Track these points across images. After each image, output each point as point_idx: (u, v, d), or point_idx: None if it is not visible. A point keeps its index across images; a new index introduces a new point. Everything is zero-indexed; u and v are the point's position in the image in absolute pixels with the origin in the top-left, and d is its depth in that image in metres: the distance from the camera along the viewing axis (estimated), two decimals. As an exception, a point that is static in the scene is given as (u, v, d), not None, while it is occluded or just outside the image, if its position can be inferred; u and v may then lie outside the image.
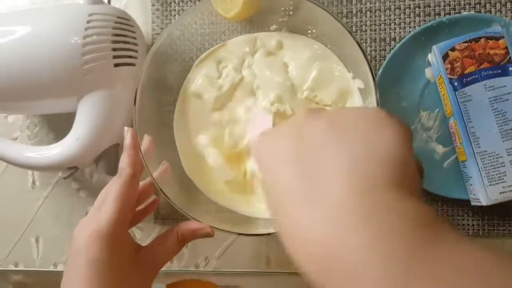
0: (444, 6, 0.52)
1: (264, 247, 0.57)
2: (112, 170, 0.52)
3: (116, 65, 0.50)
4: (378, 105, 0.42)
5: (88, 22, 0.49)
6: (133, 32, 0.52)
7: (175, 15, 0.58)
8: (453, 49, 0.46)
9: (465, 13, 0.51)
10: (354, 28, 0.54)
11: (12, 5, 0.64)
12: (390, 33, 0.53)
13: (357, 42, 0.44)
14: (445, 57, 0.46)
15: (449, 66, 0.46)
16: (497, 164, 0.44)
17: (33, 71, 0.48)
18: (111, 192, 0.42)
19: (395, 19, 0.53)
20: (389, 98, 0.50)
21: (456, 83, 0.45)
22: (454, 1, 0.51)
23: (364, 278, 0.21)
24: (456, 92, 0.45)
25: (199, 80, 0.53)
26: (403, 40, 0.50)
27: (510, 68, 0.44)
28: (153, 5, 0.59)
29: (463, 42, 0.46)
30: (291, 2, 0.50)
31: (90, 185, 0.62)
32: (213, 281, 0.60)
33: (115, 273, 0.39)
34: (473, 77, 0.45)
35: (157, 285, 0.45)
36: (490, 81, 0.45)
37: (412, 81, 0.51)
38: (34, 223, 0.64)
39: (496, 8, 0.51)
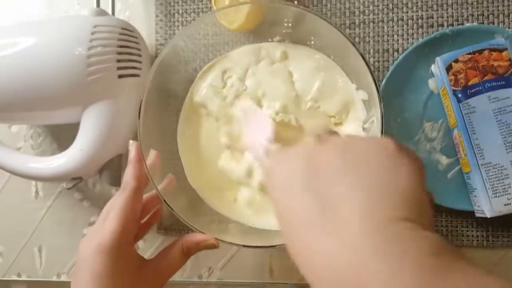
0: (447, 17, 0.52)
1: (267, 258, 0.57)
2: (116, 181, 0.53)
3: (120, 76, 0.50)
4: (382, 116, 0.42)
5: (93, 33, 0.49)
6: (137, 43, 0.53)
7: (178, 26, 0.58)
8: (456, 61, 0.46)
9: (468, 24, 0.51)
10: (357, 39, 0.54)
11: (17, 17, 0.64)
12: (393, 44, 0.53)
13: (361, 54, 0.44)
14: (448, 68, 0.46)
15: (453, 77, 0.46)
16: (501, 176, 0.44)
17: (38, 82, 0.49)
18: (115, 206, 0.42)
19: (398, 30, 0.53)
20: (392, 109, 0.50)
21: (460, 95, 0.46)
22: (457, 12, 0.52)
23: None
24: (460, 104, 0.45)
25: (204, 90, 0.53)
26: (407, 51, 0.50)
27: (514, 80, 0.45)
28: (156, 16, 0.59)
29: (467, 54, 0.46)
30: (294, 14, 0.50)
31: (93, 195, 0.62)
32: (216, 291, 0.59)
33: (118, 287, 0.39)
34: (477, 88, 0.45)
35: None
36: (494, 92, 0.45)
37: (416, 92, 0.51)
38: (37, 233, 0.64)
39: (499, 19, 0.51)
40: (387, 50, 0.53)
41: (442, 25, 0.52)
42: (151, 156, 0.47)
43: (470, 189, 0.47)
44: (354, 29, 0.54)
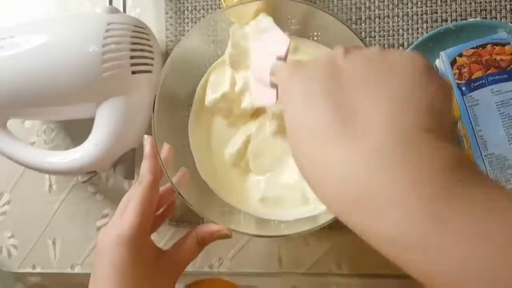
0: (451, 12, 0.53)
1: (276, 248, 0.58)
2: (129, 174, 0.54)
3: (134, 72, 0.51)
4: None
5: (107, 31, 0.50)
6: (149, 40, 0.54)
7: (188, 23, 0.60)
8: (460, 55, 0.47)
9: (471, 19, 0.52)
10: (363, 34, 0.55)
11: (31, 15, 0.66)
12: (398, 39, 0.54)
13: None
14: (453, 62, 0.48)
15: (457, 71, 0.47)
16: (504, 166, 0.45)
17: (54, 79, 0.50)
18: (132, 199, 0.44)
19: (403, 25, 0.54)
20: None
21: (463, 88, 0.47)
22: (461, 8, 0.53)
23: (398, 211, 0.21)
24: (464, 97, 0.47)
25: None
26: (412, 46, 0.52)
27: (516, 73, 0.46)
28: (166, 13, 0.60)
29: (470, 48, 0.47)
30: (302, 10, 0.51)
31: (106, 188, 0.63)
32: (227, 281, 0.61)
33: (139, 277, 0.41)
34: (480, 82, 0.47)
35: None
36: (497, 86, 0.46)
37: (421, 85, 0.52)
38: (51, 226, 0.65)
39: (501, 14, 0.52)
40: (392, 45, 0.55)
41: (446, 20, 0.53)
42: (165, 150, 0.48)
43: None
44: (360, 24, 0.55)
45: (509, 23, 0.51)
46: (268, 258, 0.59)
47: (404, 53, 0.28)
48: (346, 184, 0.23)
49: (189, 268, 0.60)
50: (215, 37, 0.55)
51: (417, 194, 0.21)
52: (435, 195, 0.21)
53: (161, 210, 0.52)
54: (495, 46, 0.47)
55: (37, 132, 0.65)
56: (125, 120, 0.52)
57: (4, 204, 0.67)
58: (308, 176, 0.26)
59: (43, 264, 0.66)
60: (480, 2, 0.52)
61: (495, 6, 0.52)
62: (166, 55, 0.60)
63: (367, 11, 0.55)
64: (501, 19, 0.52)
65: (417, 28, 0.54)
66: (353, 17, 0.56)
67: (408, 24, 0.54)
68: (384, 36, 0.55)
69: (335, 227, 0.44)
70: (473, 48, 0.47)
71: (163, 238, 0.61)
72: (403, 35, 0.54)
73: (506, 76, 0.46)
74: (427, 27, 0.54)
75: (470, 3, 0.53)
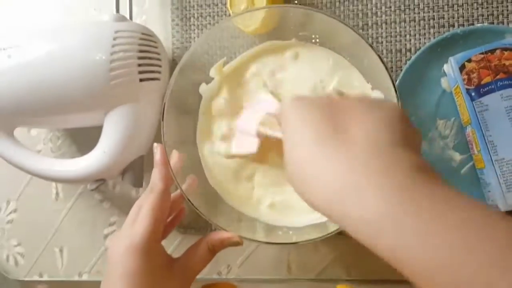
0: (458, 17, 0.53)
1: (285, 255, 0.58)
2: (138, 182, 0.54)
3: (141, 80, 0.51)
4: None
5: (114, 39, 0.50)
6: (156, 47, 0.54)
7: (194, 30, 0.60)
8: (469, 60, 0.48)
9: (479, 24, 0.52)
10: (370, 40, 0.55)
11: (37, 23, 0.66)
12: (405, 44, 0.55)
13: (379, 56, 0.45)
14: (462, 68, 0.48)
15: (466, 77, 0.47)
16: (515, 171, 0.45)
17: (62, 87, 0.50)
18: (144, 206, 0.44)
19: (410, 30, 0.54)
20: (406, 108, 0.52)
21: (473, 93, 0.47)
22: (467, 13, 0.53)
23: (369, 200, 0.26)
24: (473, 102, 0.47)
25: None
26: (419, 51, 0.52)
27: (526, 79, 0.46)
28: (172, 20, 0.60)
29: (479, 54, 0.47)
30: (309, 17, 0.51)
31: (113, 196, 0.63)
32: (236, 288, 0.61)
33: (151, 285, 0.41)
34: (490, 87, 0.47)
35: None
36: (506, 91, 0.46)
37: (429, 91, 0.52)
38: (58, 234, 0.65)
39: (508, 19, 0.52)
40: (400, 50, 0.55)
41: (453, 25, 0.53)
42: (174, 157, 0.48)
43: (484, 185, 0.49)
44: (367, 30, 0.55)
45: (516, 28, 0.51)
46: (277, 265, 0.58)
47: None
48: (331, 181, 0.28)
49: (198, 275, 0.60)
50: (222, 43, 0.55)
51: (383, 189, 0.26)
52: (398, 189, 0.26)
53: (170, 217, 0.52)
54: (504, 52, 0.47)
55: (43, 140, 0.65)
56: (133, 127, 0.52)
57: (10, 212, 0.66)
58: (299, 178, 0.31)
59: (50, 272, 0.66)
60: (487, 7, 0.53)
61: (502, 11, 0.52)
62: (172, 62, 0.60)
63: (374, 17, 0.55)
64: (508, 24, 0.52)
65: (424, 34, 0.54)
66: (360, 23, 0.56)
67: (415, 30, 0.54)
68: (391, 41, 0.55)
69: (344, 233, 0.44)
70: (482, 53, 0.47)
71: (171, 244, 0.60)
72: (410, 40, 0.54)
73: (515, 81, 0.46)
74: (434, 32, 0.54)
75: (477, 8, 0.53)
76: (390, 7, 0.55)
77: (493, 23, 0.52)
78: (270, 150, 0.52)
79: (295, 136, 0.32)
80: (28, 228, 0.66)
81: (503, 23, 0.52)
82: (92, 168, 0.51)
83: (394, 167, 0.27)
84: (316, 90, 0.52)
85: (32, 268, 0.66)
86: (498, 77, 0.47)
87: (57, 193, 0.65)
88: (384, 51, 0.55)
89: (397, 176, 0.27)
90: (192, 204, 0.47)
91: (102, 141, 0.52)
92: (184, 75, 0.52)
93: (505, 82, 0.46)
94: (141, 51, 0.52)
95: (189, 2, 0.60)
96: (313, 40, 0.53)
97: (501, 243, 0.22)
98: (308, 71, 0.53)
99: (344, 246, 0.56)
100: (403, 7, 0.54)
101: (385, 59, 0.55)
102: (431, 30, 0.54)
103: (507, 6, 0.52)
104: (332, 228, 0.46)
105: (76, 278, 0.65)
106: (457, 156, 0.51)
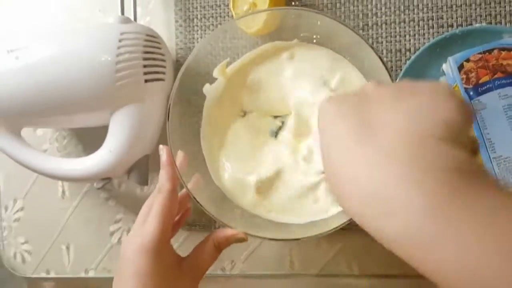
0: (457, 18, 0.54)
1: (287, 250, 0.60)
2: (143, 180, 0.55)
3: (147, 80, 0.53)
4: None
5: (120, 41, 0.51)
6: (160, 48, 0.55)
7: (197, 31, 0.61)
8: (468, 60, 0.49)
9: (477, 25, 0.53)
10: (370, 40, 0.56)
11: (43, 25, 0.67)
12: (405, 44, 0.56)
13: (379, 56, 0.46)
14: (460, 67, 0.49)
15: (464, 76, 0.48)
16: (512, 168, 0.47)
17: (69, 89, 0.51)
18: (153, 207, 0.45)
19: (409, 31, 0.55)
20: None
21: (471, 92, 0.48)
22: (466, 13, 0.54)
23: (403, 211, 0.23)
24: (472, 101, 0.48)
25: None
26: (419, 51, 0.53)
27: (523, 78, 0.47)
28: (176, 21, 0.61)
29: (477, 53, 0.48)
30: (310, 18, 0.52)
31: (119, 194, 0.64)
32: (239, 283, 0.62)
33: (162, 284, 0.42)
34: (488, 86, 0.48)
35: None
36: (503, 90, 0.47)
37: (428, 90, 0.53)
38: (64, 232, 0.66)
39: (506, 19, 0.53)
40: (400, 50, 0.56)
41: (452, 26, 0.54)
42: (179, 157, 0.49)
43: (482, 181, 0.50)
44: (368, 30, 0.56)
45: (514, 28, 0.52)
46: (280, 260, 0.60)
47: (430, 82, 0.30)
48: (359, 182, 0.26)
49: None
50: (225, 44, 0.56)
51: (420, 194, 0.23)
52: (439, 195, 0.22)
53: (177, 216, 0.53)
54: (501, 51, 0.48)
55: (49, 140, 0.66)
56: (138, 127, 0.53)
57: (17, 211, 0.68)
58: (330, 179, 0.29)
59: (57, 269, 0.67)
60: (485, 8, 0.54)
61: (500, 11, 0.53)
62: (176, 63, 0.61)
63: (374, 18, 0.56)
64: (506, 24, 0.53)
65: (424, 34, 0.55)
66: (360, 24, 0.57)
67: (414, 30, 0.55)
68: (391, 41, 0.56)
69: (346, 228, 0.45)
70: (480, 53, 0.48)
71: (176, 241, 0.62)
72: (409, 40, 0.55)
73: (512, 80, 0.47)
74: (433, 33, 0.55)
75: (475, 9, 0.54)
76: (390, 8, 0.56)
77: (491, 23, 0.54)
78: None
79: (326, 137, 0.30)
80: (35, 226, 0.67)
81: (500, 23, 0.53)
82: (98, 167, 0.52)
83: (431, 167, 0.24)
84: (316, 90, 0.53)
85: (39, 265, 0.67)
86: (496, 76, 0.48)
87: (63, 192, 0.66)
88: (384, 51, 0.56)
89: (434, 181, 0.23)
90: (198, 202, 0.48)
91: (108, 141, 0.53)
92: (188, 76, 0.53)
93: (502, 81, 0.47)
94: (146, 52, 0.53)
95: (192, 3, 0.61)
96: (314, 41, 0.54)
97: None
98: (309, 70, 0.54)
99: (346, 241, 0.57)
100: (402, 8, 0.56)
101: (385, 59, 0.56)
102: (430, 30, 0.55)
103: (505, 7, 0.53)
104: (335, 224, 0.47)
105: (82, 275, 0.66)
106: (456, 154, 0.52)
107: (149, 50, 0.53)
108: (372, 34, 0.56)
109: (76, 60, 0.52)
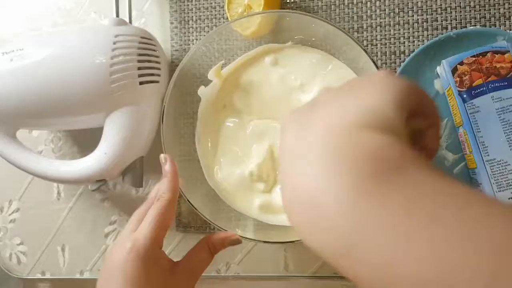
0: (451, 20, 0.54)
1: (282, 252, 0.60)
2: (138, 182, 0.55)
3: (141, 83, 0.53)
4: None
5: (114, 43, 0.51)
6: (155, 50, 0.55)
7: (193, 33, 0.61)
8: (461, 63, 0.49)
9: (471, 27, 0.53)
10: (365, 43, 0.56)
11: (38, 26, 0.67)
12: (399, 46, 0.56)
13: (372, 60, 0.46)
14: (454, 70, 0.49)
15: (458, 79, 0.49)
16: (505, 171, 0.47)
17: (63, 91, 0.51)
18: (149, 214, 0.43)
19: (404, 33, 0.55)
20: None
21: (465, 95, 0.48)
22: (460, 15, 0.54)
23: (323, 207, 0.22)
24: (465, 104, 0.48)
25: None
26: (413, 54, 0.53)
27: (516, 81, 0.47)
28: (171, 23, 0.61)
29: (471, 56, 0.48)
30: (305, 21, 0.52)
31: (113, 196, 0.64)
32: (234, 285, 0.62)
33: None
34: (481, 89, 0.48)
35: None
36: (497, 93, 0.47)
37: (422, 92, 0.53)
38: (60, 233, 0.66)
39: (500, 22, 0.53)
40: (394, 53, 0.56)
41: (446, 28, 0.54)
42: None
43: (476, 184, 0.50)
44: (362, 32, 0.56)
45: (508, 30, 0.52)
46: (275, 262, 0.60)
47: (366, 75, 0.30)
48: (292, 180, 0.25)
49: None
50: (220, 46, 0.56)
51: (334, 185, 0.22)
52: (355, 187, 0.22)
53: None
54: (495, 54, 0.48)
55: (45, 141, 0.66)
56: (133, 129, 0.53)
57: (13, 212, 0.68)
58: (281, 190, 0.28)
59: (52, 271, 0.67)
60: (479, 10, 0.54)
61: (494, 14, 0.53)
62: (171, 64, 0.61)
63: (369, 20, 0.56)
64: (500, 26, 0.53)
65: (418, 36, 0.55)
66: (355, 26, 0.57)
67: (409, 32, 0.55)
68: (385, 44, 0.56)
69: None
70: (473, 56, 0.48)
71: (171, 243, 0.62)
72: (404, 43, 0.56)
73: (506, 83, 0.47)
74: (428, 35, 0.55)
75: (470, 11, 0.54)
76: (385, 10, 0.56)
77: (485, 26, 0.54)
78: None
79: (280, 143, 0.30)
80: (30, 227, 0.67)
81: (495, 25, 0.53)
82: (93, 169, 0.52)
83: (344, 158, 0.23)
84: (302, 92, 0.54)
85: (35, 266, 0.67)
86: (489, 79, 0.48)
87: (58, 193, 0.66)
88: (379, 54, 0.56)
89: (352, 171, 0.22)
90: (193, 206, 0.48)
91: (103, 143, 0.53)
92: (183, 78, 0.53)
93: (496, 84, 0.48)
94: (140, 55, 0.53)
95: (188, 5, 0.61)
96: (309, 43, 0.54)
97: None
98: (303, 72, 0.55)
99: (340, 244, 0.57)
100: (397, 10, 0.56)
101: (379, 62, 0.56)
102: (425, 33, 0.55)
103: (499, 9, 0.53)
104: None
105: (77, 276, 0.66)
106: (450, 156, 0.53)
107: (143, 52, 0.53)
108: (367, 37, 0.56)
109: (71, 62, 0.52)
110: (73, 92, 0.51)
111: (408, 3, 0.55)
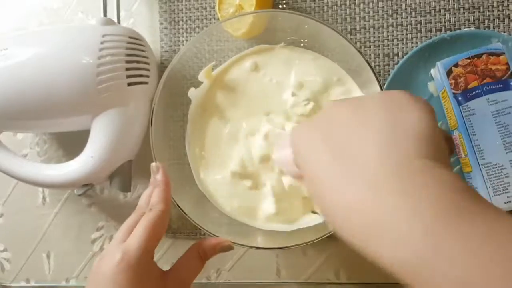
0: (445, 22, 0.54)
1: (274, 258, 0.58)
2: (126, 187, 0.54)
3: (129, 84, 0.51)
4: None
5: (102, 43, 0.50)
6: (144, 51, 0.54)
7: (183, 33, 0.60)
8: (456, 65, 0.48)
9: (466, 29, 0.53)
10: (358, 44, 0.55)
11: (24, 26, 0.65)
12: (393, 48, 0.55)
13: (367, 61, 0.46)
14: (449, 72, 0.48)
15: (453, 81, 0.48)
16: (501, 175, 0.46)
17: (49, 91, 0.50)
18: (141, 224, 0.42)
19: (397, 35, 0.55)
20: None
21: (460, 98, 0.48)
22: (454, 17, 0.54)
23: (399, 235, 0.23)
24: (460, 107, 0.47)
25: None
26: (407, 56, 0.52)
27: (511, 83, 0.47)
28: (161, 23, 0.60)
29: (466, 58, 0.48)
30: (297, 21, 0.51)
31: (100, 200, 0.63)
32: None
33: None
34: (476, 91, 0.47)
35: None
36: (492, 95, 0.47)
37: (416, 94, 0.52)
38: (45, 239, 0.64)
39: (494, 24, 0.53)
40: (387, 55, 0.55)
41: (440, 30, 0.54)
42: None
43: (471, 188, 0.49)
44: (355, 34, 0.56)
45: (502, 32, 0.52)
46: (266, 269, 0.58)
47: (381, 93, 0.31)
48: (353, 218, 0.25)
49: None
50: (211, 47, 0.55)
51: (417, 221, 0.22)
52: (434, 221, 0.22)
53: None
54: (490, 56, 0.47)
55: (30, 144, 0.64)
56: (121, 132, 0.51)
57: (-4, 218, 0.66)
58: (328, 219, 0.28)
59: (38, 278, 0.65)
60: (473, 12, 0.53)
61: (488, 15, 0.53)
62: (161, 65, 0.59)
63: (362, 21, 0.55)
64: (494, 28, 0.53)
65: (412, 38, 0.54)
66: (348, 27, 0.56)
67: (402, 34, 0.55)
68: (379, 46, 0.55)
69: (333, 236, 0.44)
70: (468, 58, 0.48)
71: (160, 249, 0.60)
72: (397, 45, 0.55)
73: (501, 85, 0.47)
74: (421, 37, 0.54)
75: (464, 13, 0.53)
76: (378, 12, 0.55)
77: (479, 27, 0.53)
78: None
79: (305, 168, 0.30)
80: (14, 233, 0.65)
81: (489, 27, 0.53)
82: (79, 173, 0.51)
83: (423, 193, 0.23)
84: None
85: (19, 273, 0.65)
86: (484, 81, 0.47)
87: (44, 198, 0.64)
88: (372, 56, 0.55)
89: (429, 206, 0.23)
90: (183, 211, 0.47)
91: (90, 146, 0.51)
92: (172, 79, 0.52)
93: (491, 87, 0.47)
94: (129, 55, 0.51)
95: (178, 5, 0.59)
96: (302, 44, 0.53)
97: None
98: (294, 75, 0.54)
99: (332, 249, 0.56)
100: (390, 12, 0.55)
101: (373, 64, 0.55)
102: (419, 35, 0.54)
103: (493, 11, 0.53)
104: (321, 232, 0.46)
105: (63, 283, 0.64)
106: (445, 160, 0.52)
107: (132, 53, 0.52)
108: (360, 38, 0.56)
109: (56, 62, 0.50)
110: (58, 93, 0.50)
111: (401, 4, 0.55)
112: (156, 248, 0.57)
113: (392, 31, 0.55)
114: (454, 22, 0.54)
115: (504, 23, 0.53)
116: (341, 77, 0.52)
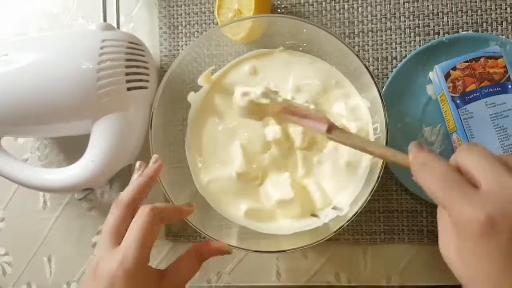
0: (443, 25, 0.54)
1: (274, 261, 0.58)
2: (126, 191, 0.54)
3: (129, 88, 0.51)
4: (386, 124, 0.44)
5: (101, 48, 0.50)
6: (143, 56, 0.54)
7: (182, 38, 0.60)
8: (454, 69, 0.48)
9: (464, 32, 0.53)
10: (356, 48, 0.56)
11: (24, 31, 0.66)
12: (391, 52, 0.55)
13: (364, 65, 0.46)
14: (447, 76, 0.48)
15: (451, 84, 0.48)
16: (500, 177, 0.46)
17: (50, 96, 0.50)
18: (134, 230, 0.41)
19: (396, 38, 0.55)
20: (392, 115, 0.52)
21: (458, 101, 0.48)
22: (452, 21, 0.54)
23: None
24: (459, 110, 0.48)
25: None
26: (405, 59, 0.52)
27: (510, 86, 0.47)
28: (160, 28, 0.60)
29: (464, 62, 0.48)
30: (296, 26, 0.51)
31: (101, 204, 0.63)
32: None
33: None
34: (474, 95, 0.47)
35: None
36: (490, 98, 0.47)
37: (414, 98, 0.53)
38: (46, 243, 0.65)
39: (492, 27, 0.53)
40: (386, 58, 0.55)
41: (438, 33, 0.54)
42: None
43: (470, 191, 0.49)
44: (354, 38, 0.56)
45: (500, 35, 0.52)
46: (267, 271, 0.59)
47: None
48: None
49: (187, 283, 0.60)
50: (210, 51, 0.55)
51: None
52: None
53: None
54: (488, 59, 0.47)
55: (31, 149, 0.65)
56: (121, 136, 0.52)
57: (-3, 222, 0.66)
58: None
59: (39, 281, 0.65)
60: (471, 15, 0.53)
61: (486, 19, 0.53)
62: (160, 70, 0.60)
63: (360, 25, 0.56)
64: (492, 31, 0.53)
65: (410, 41, 0.55)
66: (347, 31, 0.56)
67: (401, 38, 0.55)
68: (377, 49, 0.55)
69: (332, 239, 0.44)
70: (466, 61, 0.48)
71: (161, 252, 0.60)
72: (396, 48, 0.55)
73: (499, 88, 0.47)
74: (420, 40, 0.54)
75: (462, 16, 0.54)
76: (376, 15, 0.55)
77: (477, 30, 0.53)
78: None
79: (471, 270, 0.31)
80: (15, 237, 0.66)
81: (487, 30, 0.53)
82: (79, 177, 0.51)
83: None
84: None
85: (20, 277, 0.66)
86: (482, 84, 0.47)
87: (44, 202, 0.65)
88: (371, 59, 0.55)
89: None
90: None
91: (90, 150, 0.52)
92: (172, 84, 0.52)
93: (489, 90, 0.47)
94: (128, 60, 0.52)
95: (177, 10, 0.60)
96: (300, 48, 0.54)
97: None
98: (293, 78, 0.54)
99: (332, 252, 0.56)
100: (389, 16, 0.55)
101: (371, 67, 0.55)
102: (417, 38, 0.55)
103: (491, 14, 0.53)
104: (321, 235, 0.46)
105: (64, 287, 0.64)
106: (444, 163, 0.52)
107: (132, 58, 0.52)
108: (359, 42, 0.56)
109: (57, 68, 0.50)
110: (59, 98, 0.50)
111: (399, 8, 0.55)
112: (155, 252, 0.58)
113: (391, 35, 0.55)
114: (452, 25, 0.54)
115: (502, 26, 0.53)
116: (339, 80, 0.53)
